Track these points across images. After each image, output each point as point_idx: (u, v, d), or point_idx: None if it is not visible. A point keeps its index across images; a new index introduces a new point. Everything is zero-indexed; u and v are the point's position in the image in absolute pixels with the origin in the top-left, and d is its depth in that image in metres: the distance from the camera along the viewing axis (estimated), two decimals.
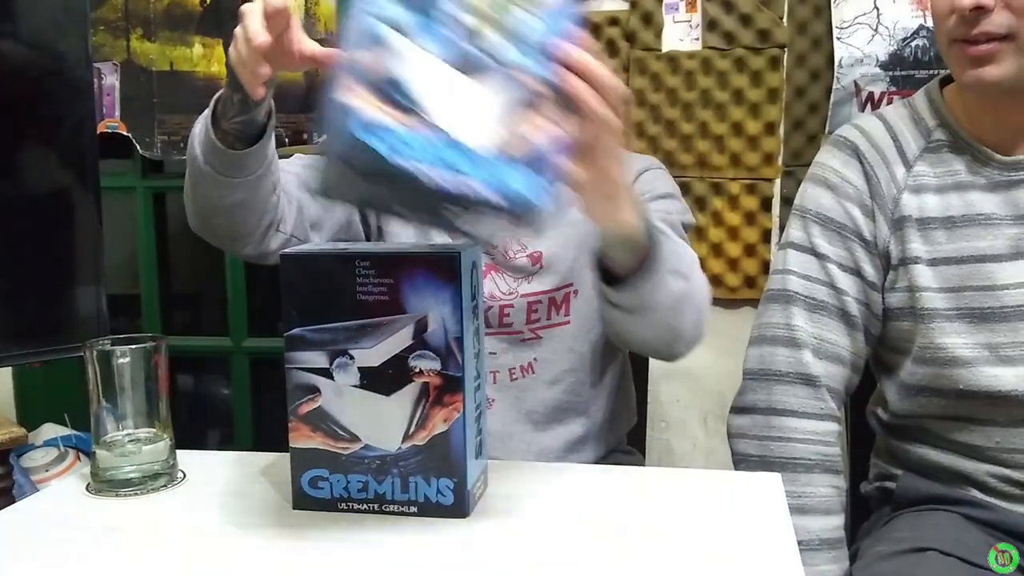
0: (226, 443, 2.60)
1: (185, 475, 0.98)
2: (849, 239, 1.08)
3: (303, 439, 0.88)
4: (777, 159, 1.95)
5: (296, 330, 0.86)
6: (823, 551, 1.07)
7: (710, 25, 1.92)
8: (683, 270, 0.99)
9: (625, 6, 1.96)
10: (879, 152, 1.08)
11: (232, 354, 2.36)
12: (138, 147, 2.23)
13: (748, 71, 1.91)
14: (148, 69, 2.20)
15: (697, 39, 1.93)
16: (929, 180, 1.06)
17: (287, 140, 2.14)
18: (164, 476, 0.96)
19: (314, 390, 0.87)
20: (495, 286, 1.25)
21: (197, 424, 2.74)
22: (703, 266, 2.07)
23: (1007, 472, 1.05)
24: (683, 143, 1.96)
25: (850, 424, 1.34)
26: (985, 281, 1.02)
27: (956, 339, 1.03)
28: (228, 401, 2.46)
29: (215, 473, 0.99)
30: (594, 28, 1.97)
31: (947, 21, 1.00)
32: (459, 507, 0.86)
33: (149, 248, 2.35)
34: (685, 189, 1.97)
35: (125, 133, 2.23)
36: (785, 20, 1.92)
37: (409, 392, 0.85)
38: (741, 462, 1.13)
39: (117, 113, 2.23)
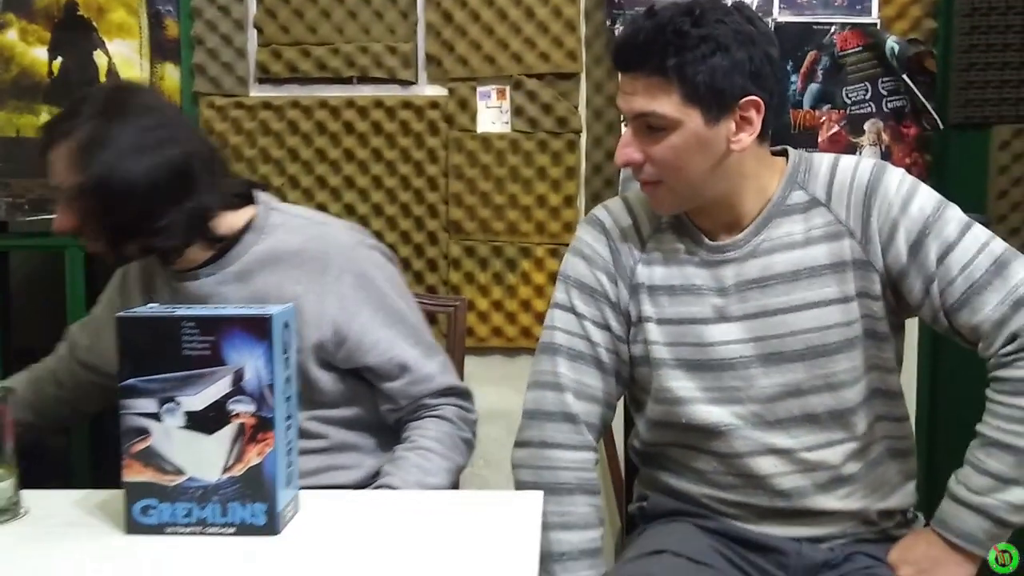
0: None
1: (28, 511, 1.10)
2: (600, 301, 1.32)
3: (135, 474, 1.03)
4: (575, 227, 2.21)
5: (130, 380, 1.02)
6: (582, 560, 1.28)
7: (517, 111, 2.19)
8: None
9: (444, 92, 2.22)
10: (621, 231, 1.33)
11: None
12: None
13: (549, 151, 2.19)
14: None
15: (507, 123, 2.19)
16: (658, 255, 1.31)
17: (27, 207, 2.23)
18: (7, 512, 1.08)
19: (145, 432, 1.02)
20: None
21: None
22: (515, 320, 2.28)
23: (721, 494, 1.30)
24: (496, 212, 2.21)
25: (625, 455, 1.57)
26: (696, 339, 1.27)
27: (678, 383, 1.27)
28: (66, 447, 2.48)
29: (56, 509, 1.10)
30: (417, 111, 2.20)
31: None
32: (271, 527, 1.03)
33: None
34: (498, 252, 2.22)
35: None
36: (584, 107, 2.20)
37: (228, 431, 1.02)
38: (521, 489, 1.34)
39: None
